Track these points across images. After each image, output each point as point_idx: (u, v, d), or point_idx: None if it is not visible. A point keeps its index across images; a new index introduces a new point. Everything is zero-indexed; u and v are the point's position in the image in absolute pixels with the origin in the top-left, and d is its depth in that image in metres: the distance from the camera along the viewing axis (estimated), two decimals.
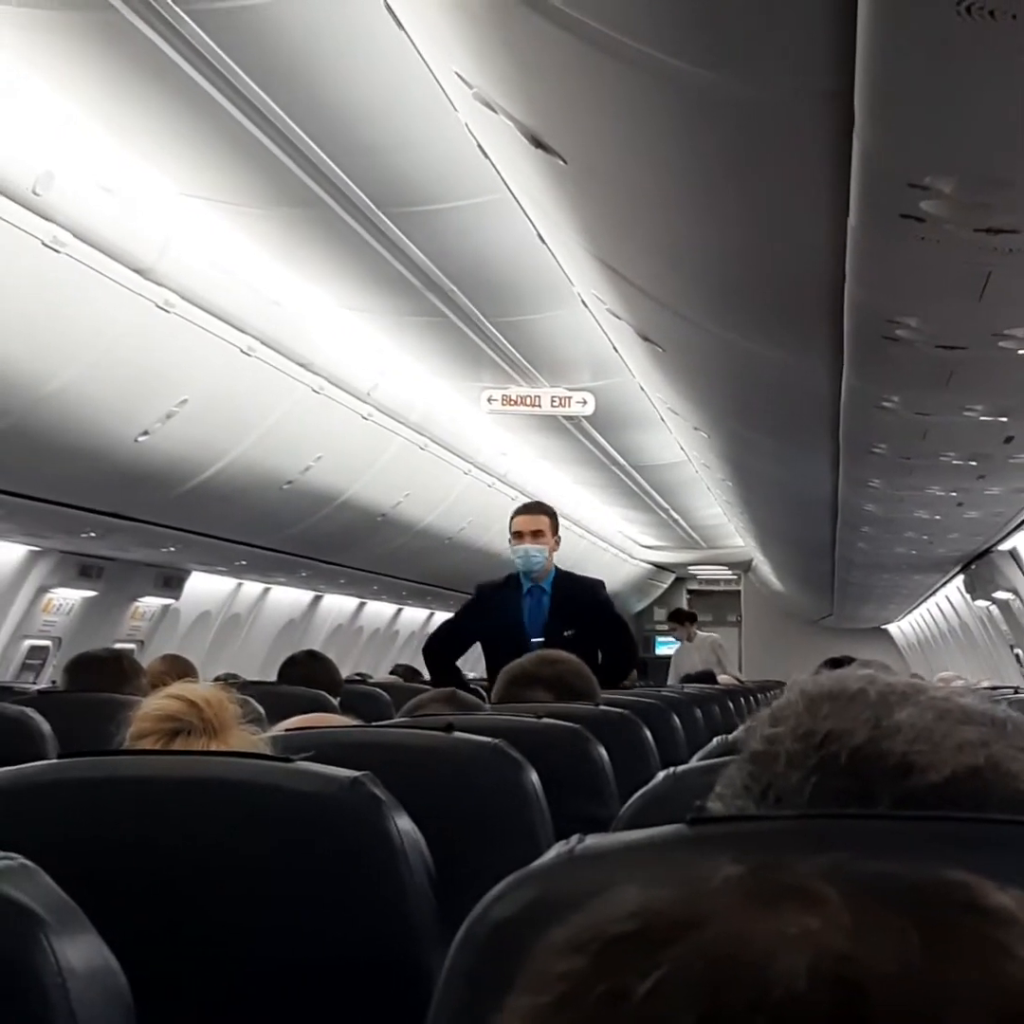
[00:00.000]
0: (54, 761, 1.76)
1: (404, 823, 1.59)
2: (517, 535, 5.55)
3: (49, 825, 1.58)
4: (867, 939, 0.48)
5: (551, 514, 5.69)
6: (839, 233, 2.97)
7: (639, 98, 2.70)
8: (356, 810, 1.57)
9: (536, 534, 5.56)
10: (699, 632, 13.74)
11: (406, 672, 9.99)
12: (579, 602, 5.50)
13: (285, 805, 1.58)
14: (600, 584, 5.77)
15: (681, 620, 13.95)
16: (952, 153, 2.45)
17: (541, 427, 9.63)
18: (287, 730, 2.21)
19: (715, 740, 2.33)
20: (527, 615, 5.52)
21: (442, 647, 5.59)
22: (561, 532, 5.71)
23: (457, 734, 2.13)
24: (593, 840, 0.93)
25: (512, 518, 5.64)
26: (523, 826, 2.04)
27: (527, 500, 11.40)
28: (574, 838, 0.94)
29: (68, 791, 1.63)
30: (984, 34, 1.91)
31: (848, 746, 0.91)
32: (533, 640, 5.32)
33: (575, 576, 5.68)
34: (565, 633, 5.28)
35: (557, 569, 5.60)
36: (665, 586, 20.17)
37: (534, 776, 2.09)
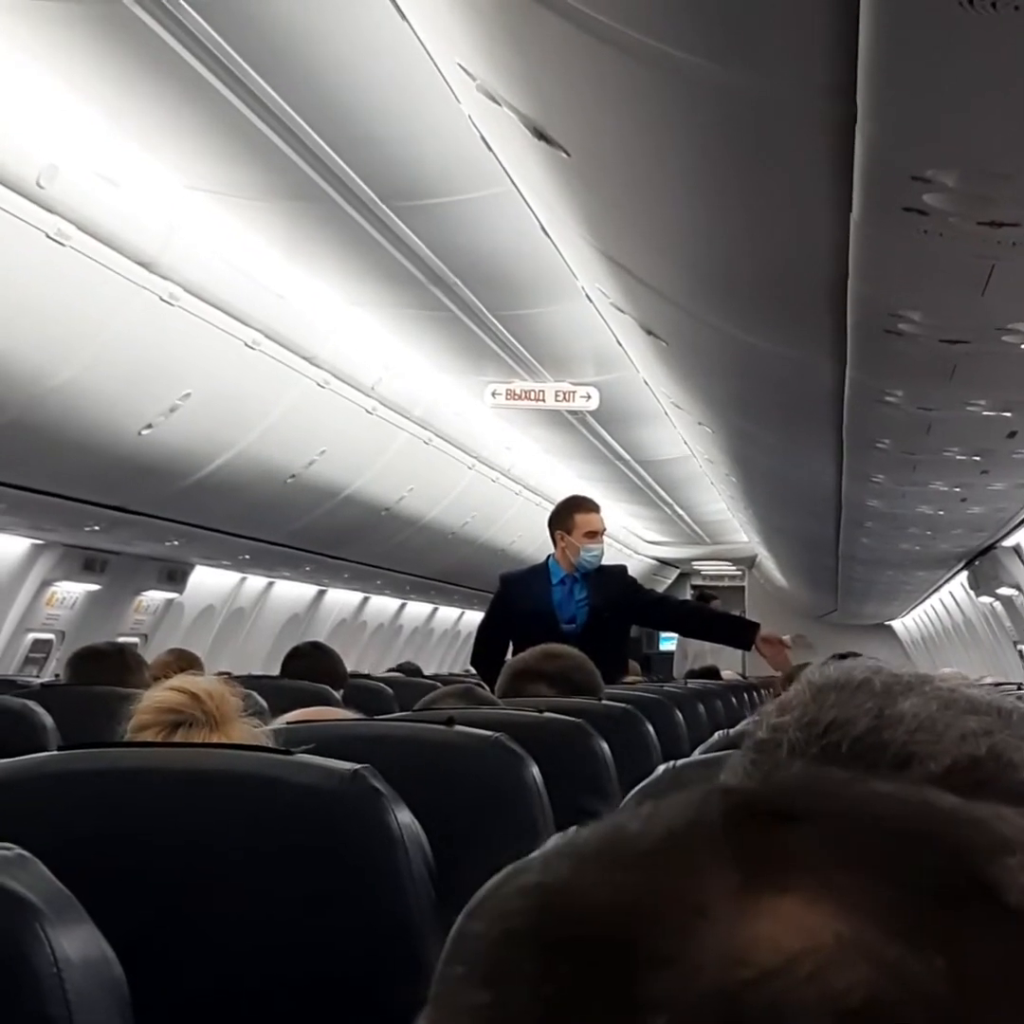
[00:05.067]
0: (54, 752, 1.75)
1: (404, 816, 1.59)
2: (592, 534, 5.54)
3: (49, 816, 1.58)
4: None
5: None
6: (842, 226, 2.96)
7: (642, 91, 2.70)
8: (356, 803, 1.57)
9: (601, 531, 5.63)
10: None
11: (412, 671, 9.95)
12: (614, 586, 5.59)
13: (285, 797, 1.58)
14: (626, 568, 5.93)
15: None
16: (955, 146, 2.44)
17: (545, 422, 9.62)
18: (288, 723, 2.21)
19: (717, 734, 2.33)
20: (558, 602, 5.53)
21: (486, 654, 5.42)
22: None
23: (458, 727, 2.13)
24: None
25: (576, 515, 5.58)
26: (524, 820, 2.04)
27: (534, 496, 11.56)
28: (571, 830, 0.93)
29: (68, 782, 1.63)
30: (987, 26, 1.90)
31: (849, 735, 0.91)
32: (565, 626, 5.34)
33: (602, 564, 5.72)
34: (604, 615, 5.42)
35: None
36: (669, 582, 20.13)
37: (535, 770, 2.08)
